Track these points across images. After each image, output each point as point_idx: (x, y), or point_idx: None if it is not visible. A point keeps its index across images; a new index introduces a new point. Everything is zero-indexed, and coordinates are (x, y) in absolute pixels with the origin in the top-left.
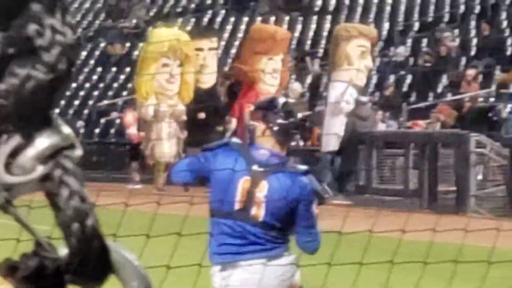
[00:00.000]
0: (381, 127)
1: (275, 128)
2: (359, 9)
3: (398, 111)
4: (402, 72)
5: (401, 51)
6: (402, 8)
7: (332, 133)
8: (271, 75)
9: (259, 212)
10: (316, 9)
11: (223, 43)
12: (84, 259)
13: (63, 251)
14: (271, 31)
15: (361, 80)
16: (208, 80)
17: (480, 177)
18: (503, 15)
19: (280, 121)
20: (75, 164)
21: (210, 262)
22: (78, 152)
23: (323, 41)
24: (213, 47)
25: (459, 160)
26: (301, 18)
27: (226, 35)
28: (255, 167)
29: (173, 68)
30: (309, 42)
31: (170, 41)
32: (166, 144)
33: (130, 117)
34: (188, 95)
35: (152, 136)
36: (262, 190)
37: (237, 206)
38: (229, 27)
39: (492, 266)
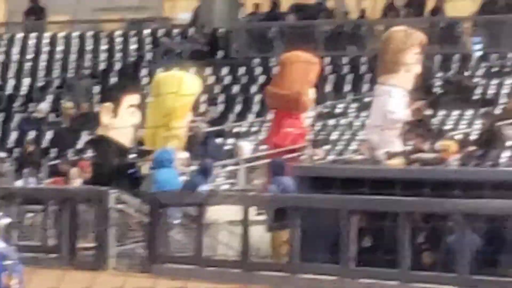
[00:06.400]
0: (20, 183)
1: None
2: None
3: (38, 168)
4: (42, 128)
5: (42, 107)
6: (43, 64)
7: None
8: None
9: None
10: None
11: None
12: None
13: None
14: None
15: None
16: None
17: (119, 233)
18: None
19: None
20: None
21: None
22: None
23: None
24: None
25: (98, 216)
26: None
27: None
28: None
29: None
30: None
31: None
32: None
33: None
34: None
35: None
36: None
37: None
38: None
39: None
